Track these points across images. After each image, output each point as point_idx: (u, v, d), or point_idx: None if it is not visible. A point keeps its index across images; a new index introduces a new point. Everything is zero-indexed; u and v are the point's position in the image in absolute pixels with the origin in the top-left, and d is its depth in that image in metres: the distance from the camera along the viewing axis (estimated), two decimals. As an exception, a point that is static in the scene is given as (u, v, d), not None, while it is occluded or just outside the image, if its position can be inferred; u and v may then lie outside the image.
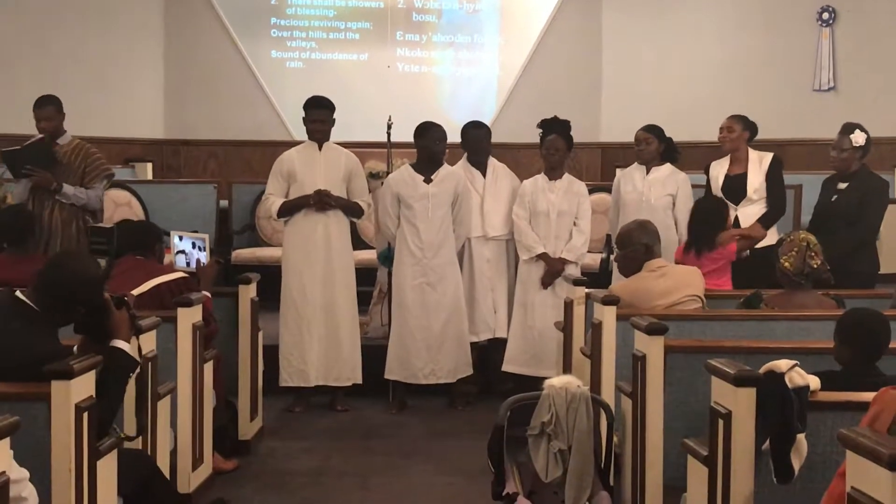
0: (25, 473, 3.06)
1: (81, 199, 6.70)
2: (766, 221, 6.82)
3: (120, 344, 3.82)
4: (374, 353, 6.97)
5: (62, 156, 6.73)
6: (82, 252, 4.44)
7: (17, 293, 3.78)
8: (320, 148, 6.88)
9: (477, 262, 7.14)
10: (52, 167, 6.65)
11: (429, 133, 6.91)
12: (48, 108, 6.78)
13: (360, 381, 6.90)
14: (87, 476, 3.48)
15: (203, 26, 11.32)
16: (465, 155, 7.28)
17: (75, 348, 3.86)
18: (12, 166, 6.72)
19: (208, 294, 5.50)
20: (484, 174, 7.19)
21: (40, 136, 6.75)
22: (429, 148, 6.90)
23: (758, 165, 6.93)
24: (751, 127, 6.94)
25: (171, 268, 5.66)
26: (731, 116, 6.97)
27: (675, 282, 5.34)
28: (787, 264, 5.11)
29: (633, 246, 5.50)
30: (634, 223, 5.67)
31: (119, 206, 8.63)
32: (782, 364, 3.53)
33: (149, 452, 4.39)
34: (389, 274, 7.11)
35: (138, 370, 3.93)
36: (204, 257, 6.11)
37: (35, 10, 10.51)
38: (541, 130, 7.12)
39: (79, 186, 6.72)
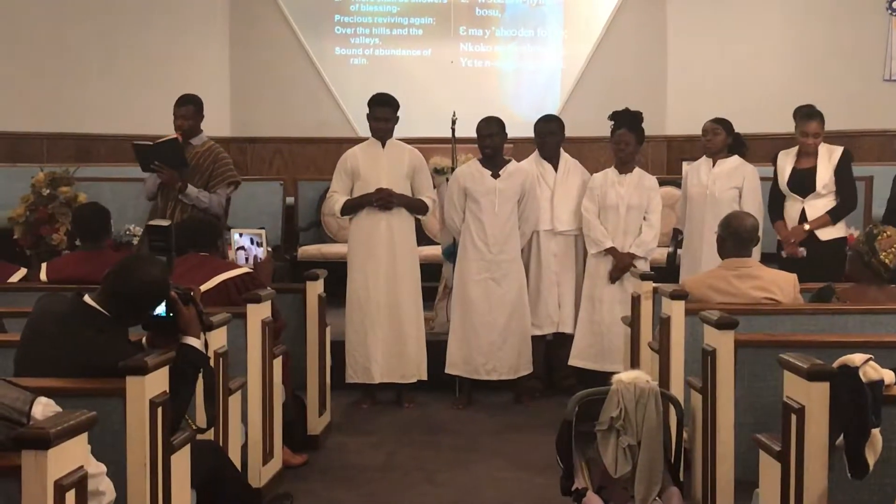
0: (103, 468, 3.12)
1: (203, 203, 6.72)
2: (835, 215, 6.74)
3: (190, 341, 3.85)
4: (439, 349, 6.98)
5: (192, 156, 6.78)
6: (148, 256, 4.51)
7: (86, 298, 3.80)
8: (384, 145, 6.90)
9: (544, 255, 7.11)
10: (180, 166, 6.72)
11: (485, 127, 6.89)
12: (188, 107, 6.86)
13: (425, 377, 6.91)
14: (162, 470, 3.53)
15: (268, 25, 11.40)
16: (537, 149, 7.25)
17: (143, 340, 3.91)
18: (142, 161, 6.75)
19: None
20: (556, 168, 7.16)
21: (175, 135, 6.79)
22: (486, 142, 6.87)
23: (827, 159, 6.84)
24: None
25: (235, 264, 5.72)
26: (814, 120, 6.80)
27: (757, 284, 5.18)
28: (887, 260, 5.00)
29: (719, 231, 5.43)
30: (736, 215, 5.54)
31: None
32: (856, 358, 3.48)
33: (221, 447, 4.45)
34: (454, 270, 7.11)
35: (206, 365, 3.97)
36: (261, 252, 6.15)
37: (102, 14, 10.66)
38: (611, 123, 7.08)
39: (202, 189, 6.75)
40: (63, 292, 4.05)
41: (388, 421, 6.67)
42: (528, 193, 6.92)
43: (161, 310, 3.83)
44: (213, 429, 4.22)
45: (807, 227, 6.74)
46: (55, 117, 10.30)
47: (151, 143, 6.74)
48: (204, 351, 3.95)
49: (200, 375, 3.96)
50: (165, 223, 5.81)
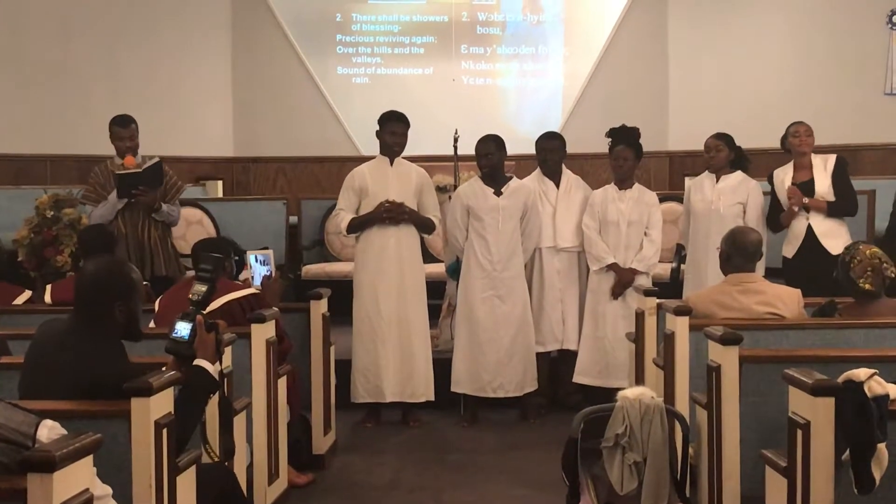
0: (108, 490, 3.11)
1: (172, 216, 6.92)
2: (833, 210, 6.76)
3: (203, 364, 3.86)
4: (444, 367, 6.97)
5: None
6: (104, 256, 4.66)
7: (75, 321, 3.84)
8: (392, 163, 6.92)
9: (547, 272, 7.12)
10: (158, 186, 6.84)
11: (482, 147, 6.91)
12: (132, 127, 6.93)
13: (432, 397, 6.90)
14: (168, 491, 3.53)
15: (270, 45, 11.45)
16: (539, 166, 7.26)
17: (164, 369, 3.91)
18: (122, 188, 6.79)
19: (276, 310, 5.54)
20: (558, 185, 7.17)
21: (154, 158, 6.88)
22: (483, 161, 6.89)
23: (822, 169, 6.89)
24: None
25: (241, 284, 5.72)
26: (799, 122, 6.92)
27: (761, 299, 5.18)
28: (867, 286, 4.98)
29: (722, 247, 5.43)
30: (740, 230, 5.56)
31: (191, 224, 8.76)
32: (861, 373, 3.48)
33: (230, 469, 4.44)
34: (458, 288, 7.11)
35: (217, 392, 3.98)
36: (268, 272, 6.15)
37: (106, 33, 10.72)
38: (609, 140, 7.10)
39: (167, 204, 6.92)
40: (62, 314, 4.07)
41: (394, 440, 6.66)
42: (530, 210, 6.93)
43: (184, 332, 3.86)
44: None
45: (806, 200, 6.76)
46: (58, 139, 10.32)
47: (140, 171, 6.80)
48: (216, 378, 3.94)
49: (217, 406, 4.00)
50: (109, 218, 5.93)
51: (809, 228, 6.79)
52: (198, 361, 3.85)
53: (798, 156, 6.94)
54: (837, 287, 5.70)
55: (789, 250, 6.91)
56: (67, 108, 10.45)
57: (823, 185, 6.83)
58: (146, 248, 6.87)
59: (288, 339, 5.59)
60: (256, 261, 6.11)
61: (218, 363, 3.95)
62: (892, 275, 5.03)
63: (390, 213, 6.77)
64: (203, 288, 4.00)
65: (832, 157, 6.92)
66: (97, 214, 6.89)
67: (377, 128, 6.95)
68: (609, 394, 4.44)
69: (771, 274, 6.39)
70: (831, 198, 6.81)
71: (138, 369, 3.69)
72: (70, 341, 3.76)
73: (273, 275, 6.03)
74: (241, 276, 5.90)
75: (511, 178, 7.03)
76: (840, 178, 6.86)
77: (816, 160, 6.91)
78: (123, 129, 6.92)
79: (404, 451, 6.42)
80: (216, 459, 3.94)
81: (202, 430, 3.97)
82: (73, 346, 3.73)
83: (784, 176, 6.96)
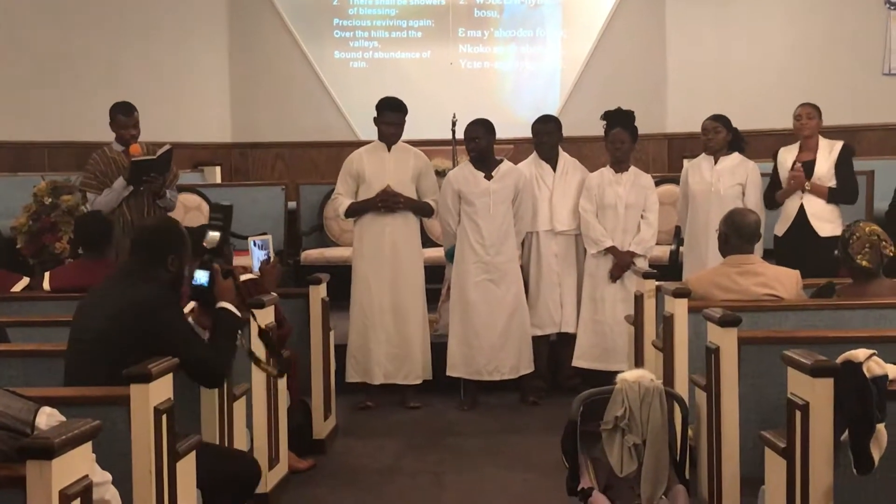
0: (108, 476, 3.12)
1: (173, 203, 6.94)
2: (833, 196, 6.76)
3: (227, 305, 4.16)
4: (444, 351, 6.98)
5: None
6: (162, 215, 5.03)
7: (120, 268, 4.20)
8: (389, 148, 6.91)
9: (545, 255, 7.12)
10: (166, 173, 6.86)
11: (470, 131, 6.90)
12: (135, 115, 6.92)
13: (430, 377, 6.93)
14: (168, 477, 3.54)
15: (267, 30, 11.43)
16: (535, 149, 7.25)
17: (190, 319, 4.20)
18: (136, 175, 6.76)
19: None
20: (554, 168, 7.16)
21: (166, 145, 6.87)
22: (471, 145, 6.89)
23: (827, 153, 6.87)
24: (820, 114, 6.88)
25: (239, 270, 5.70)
26: (805, 104, 6.91)
27: (759, 280, 5.16)
28: (864, 262, 4.97)
29: (721, 228, 5.42)
30: (738, 212, 5.54)
31: (189, 210, 8.74)
32: (860, 353, 3.48)
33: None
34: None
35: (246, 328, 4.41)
36: (266, 257, 6.13)
37: (103, 23, 10.67)
38: (605, 123, 7.09)
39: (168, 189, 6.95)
40: (62, 301, 4.22)
41: (395, 424, 6.68)
42: (521, 193, 6.92)
43: (202, 279, 4.21)
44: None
45: (808, 185, 6.75)
46: (57, 126, 10.30)
47: (154, 157, 6.77)
48: (239, 315, 4.23)
49: (259, 336, 4.62)
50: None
51: (801, 208, 6.79)
52: (221, 304, 4.16)
53: (801, 137, 6.94)
54: (823, 268, 5.71)
55: (780, 228, 6.94)
56: (65, 95, 10.42)
57: (823, 168, 6.83)
58: None
59: (288, 323, 5.59)
60: (255, 245, 6.08)
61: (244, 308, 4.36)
62: (891, 253, 5.02)
63: (385, 203, 6.77)
64: (216, 235, 4.50)
65: (839, 144, 6.91)
66: (102, 201, 6.80)
67: (375, 113, 6.94)
68: (608, 377, 4.45)
69: (764, 254, 6.39)
70: (830, 181, 6.81)
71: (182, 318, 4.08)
72: (116, 279, 4.08)
73: (271, 260, 6.01)
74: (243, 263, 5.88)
75: (502, 161, 7.01)
76: (843, 165, 6.85)
77: (823, 143, 6.91)
78: (127, 117, 6.89)
79: (405, 435, 6.44)
80: (275, 374, 4.68)
81: (253, 356, 4.56)
82: (129, 285, 3.98)
83: (787, 155, 6.96)
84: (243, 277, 5.41)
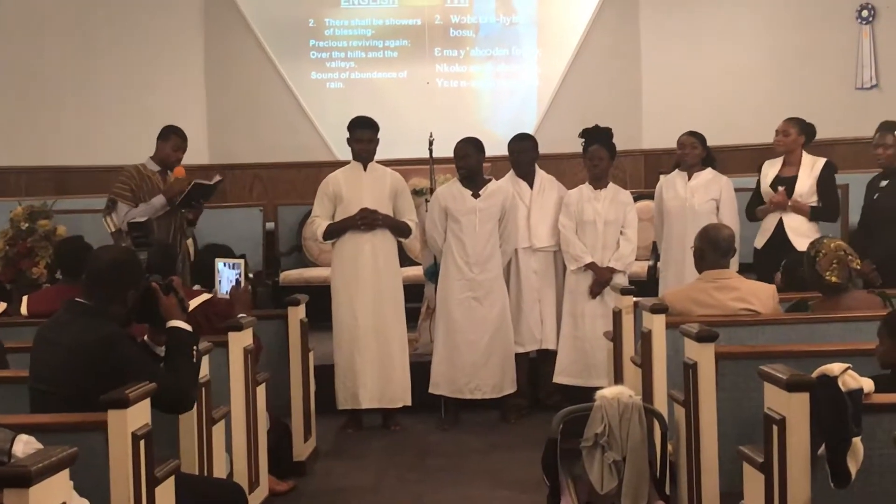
0: (86, 503, 3.11)
1: (191, 231, 7.02)
2: (815, 215, 6.80)
3: (176, 323, 4.03)
4: (424, 370, 6.98)
5: None
6: (114, 245, 4.82)
7: (74, 300, 3.99)
8: (365, 168, 6.92)
9: (524, 273, 7.13)
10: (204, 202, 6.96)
11: (460, 149, 6.92)
12: (185, 139, 6.95)
13: (409, 402, 6.91)
14: (146, 503, 3.52)
15: (243, 51, 11.41)
16: (512, 167, 7.28)
17: (146, 337, 4.08)
18: (190, 198, 6.77)
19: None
20: (531, 186, 7.19)
21: (218, 175, 6.97)
22: (461, 163, 6.91)
23: (809, 169, 6.92)
24: (807, 130, 6.91)
25: (197, 292, 5.66)
26: (787, 119, 6.95)
27: (736, 295, 5.19)
28: (833, 279, 5.02)
29: (696, 244, 5.44)
30: (713, 227, 5.58)
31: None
32: (835, 367, 3.50)
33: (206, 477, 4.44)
34: (437, 290, 7.12)
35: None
36: (236, 279, 6.09)
37: (79, 43, 10.67)
38: (583, 140, 7.12)
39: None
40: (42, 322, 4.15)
41: (375, 444, 6.66)
42: (508, 212, 6.94)
43: None
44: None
45: (790, 203, 6.78)
46: (32, 151, 10.27)
47: (212, 184, 6.83)
48: (191, 331, 4.10)
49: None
50: (143, 219, 5.95)
51: (780, 223, 6.83)
52: (170, 323, 4.02)
53: (779, 153, 6.99)
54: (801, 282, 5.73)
55: (759, 241, 6.97)
56: (40, 119, 10.40)
57: (805, 185, 6.87)
58: (184, 257, 6.85)
59: (258, 339, 5.53)
60: (225, 266, 6.00)
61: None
62: (857, 266, 5.07)
63: (365, 221, 6.77)
64: (144, 255, 4.46)
65: (821, 161, 6.96)
66: (137, 213, 6.69)
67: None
68: (589, 393, 4.46)
69: (743, 269, 6.42)
70: (810, 198, 6.84)
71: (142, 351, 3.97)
72: (66, 320, 3.93)
73: (242, 284, 5.95)
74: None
75: (490, 180, 7.04)
76: (825, 182, 6.89)
77: (806, 159, 6.96)
78: (183, 140, 6.92)
79: (386, 455, 6.43)
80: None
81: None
82: (72, 322, 3.88)
83: (770, 169, 7.01)
84: (200, 299, 5.39)
